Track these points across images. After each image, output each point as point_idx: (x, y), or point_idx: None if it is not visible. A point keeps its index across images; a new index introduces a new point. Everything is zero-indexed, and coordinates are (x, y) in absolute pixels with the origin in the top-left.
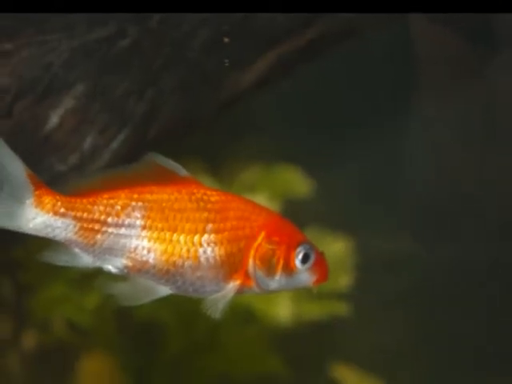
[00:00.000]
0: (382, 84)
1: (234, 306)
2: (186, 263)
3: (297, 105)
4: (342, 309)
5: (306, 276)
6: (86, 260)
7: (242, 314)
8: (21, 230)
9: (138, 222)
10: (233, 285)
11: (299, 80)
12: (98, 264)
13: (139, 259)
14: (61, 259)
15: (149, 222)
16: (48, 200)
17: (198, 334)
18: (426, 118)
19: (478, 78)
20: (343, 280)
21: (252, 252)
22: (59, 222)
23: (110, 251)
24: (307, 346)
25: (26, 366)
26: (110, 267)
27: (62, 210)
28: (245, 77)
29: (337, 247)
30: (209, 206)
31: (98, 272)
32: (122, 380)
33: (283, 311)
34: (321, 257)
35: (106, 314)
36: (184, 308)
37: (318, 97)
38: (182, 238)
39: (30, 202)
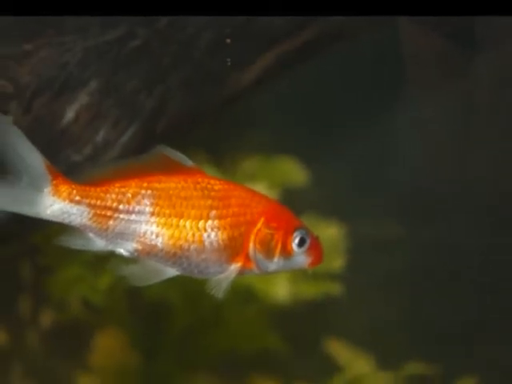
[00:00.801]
0: (374, 83)
1: (235, 287)
2: (191, 247)
3: (294, 102)
4: (335, 289)
5: (302, 258)
6: (100, 244)
7: (243, 293)
8: (39, 217)
9: (148, 209)
10: (234, 267)
11: (297, 79)
12: (110, 248)
13: (148, 243)
14: (76, 243)
15: (157, 209)
16: (64, 188)
17: (203, 312)
18: (415, 113)
19: (463, 77)
20: (336, 262)
21: (252, 236)
22: (75, 209)
23: (122, 236)
24: (303, 323)
25: (43, 343)
26: (122, 250)
27: (78, 197)
28: (245, 75)
29: (330, 232)
30: (212, 193)
31: (111, 255)
32: (132, 355)
33: (281, 291)
34: (316, 241)
35: (118, 293)
36: (190, 288)
37: (314, 95)
38: (187, 223)
39: (47, 190)
